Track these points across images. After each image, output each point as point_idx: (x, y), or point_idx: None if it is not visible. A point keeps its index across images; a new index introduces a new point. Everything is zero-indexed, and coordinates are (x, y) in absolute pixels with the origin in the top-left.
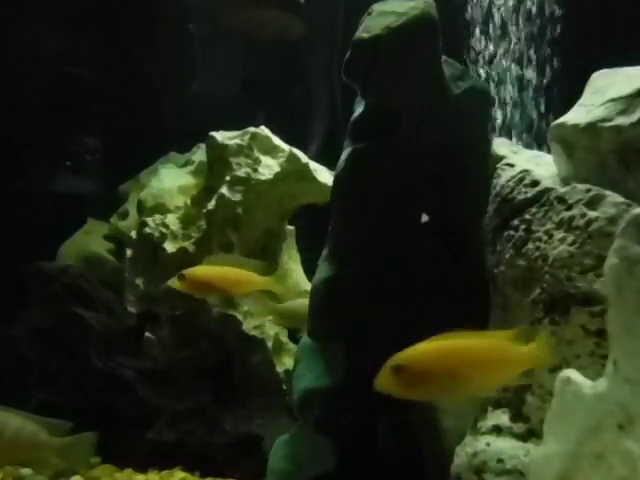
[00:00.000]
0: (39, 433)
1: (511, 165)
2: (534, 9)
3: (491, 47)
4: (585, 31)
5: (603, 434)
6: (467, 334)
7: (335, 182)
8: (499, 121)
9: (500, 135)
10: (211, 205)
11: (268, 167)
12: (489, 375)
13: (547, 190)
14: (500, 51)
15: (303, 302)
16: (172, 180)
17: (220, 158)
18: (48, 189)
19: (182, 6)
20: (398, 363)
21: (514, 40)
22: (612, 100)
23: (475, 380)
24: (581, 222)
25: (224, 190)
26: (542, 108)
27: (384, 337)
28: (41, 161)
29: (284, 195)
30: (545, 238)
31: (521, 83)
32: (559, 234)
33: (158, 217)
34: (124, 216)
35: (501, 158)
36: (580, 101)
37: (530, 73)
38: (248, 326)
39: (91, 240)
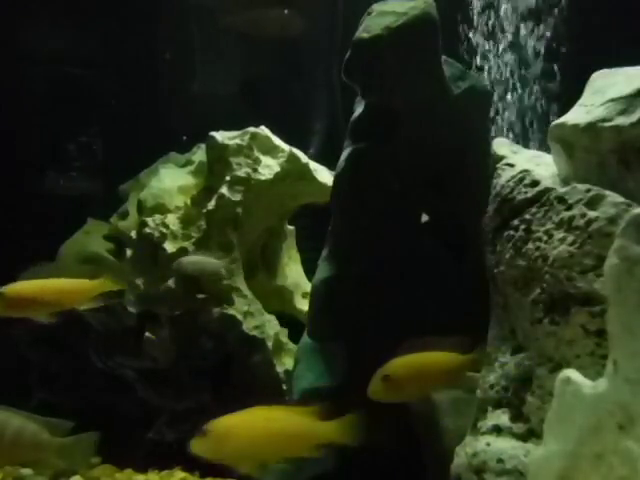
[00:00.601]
0: (40, 433)
1: (511, 165)
2: None
3: None
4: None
5: (603, 434)
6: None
7: (335, 182)
8: None
9: None
10: (211, 205)
11: (268, 167)
12: (285, 446)
13: (547, 190)
14: None
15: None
16: (172, 180)
17: (220, 158)
18: (48, 189)
19: (183, 6)
20: (207, 428)
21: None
22: (612, 100)
23: (271, 450)
24: (581, 222)
25: (224, 190)
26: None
27: (384, 337)
28: (41, 161)
29: (284, 195)
30: (545, 238)
31: None
32: (559, 234)
33: (158, 217)
34: (124, 216)
35: (501, 158)
36: (580, 101)
37: None
38: (248, 326)
39: (91, 240)
